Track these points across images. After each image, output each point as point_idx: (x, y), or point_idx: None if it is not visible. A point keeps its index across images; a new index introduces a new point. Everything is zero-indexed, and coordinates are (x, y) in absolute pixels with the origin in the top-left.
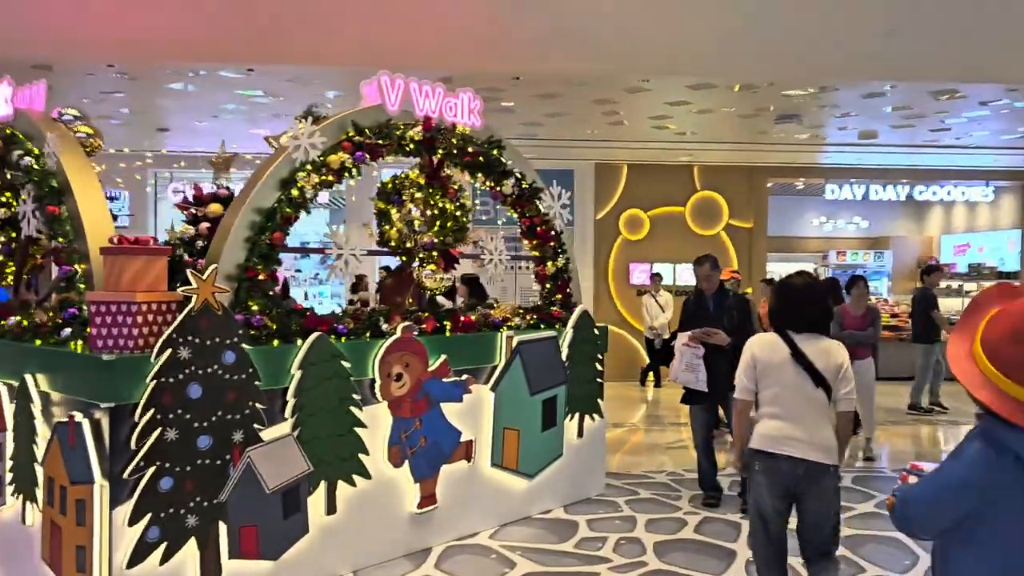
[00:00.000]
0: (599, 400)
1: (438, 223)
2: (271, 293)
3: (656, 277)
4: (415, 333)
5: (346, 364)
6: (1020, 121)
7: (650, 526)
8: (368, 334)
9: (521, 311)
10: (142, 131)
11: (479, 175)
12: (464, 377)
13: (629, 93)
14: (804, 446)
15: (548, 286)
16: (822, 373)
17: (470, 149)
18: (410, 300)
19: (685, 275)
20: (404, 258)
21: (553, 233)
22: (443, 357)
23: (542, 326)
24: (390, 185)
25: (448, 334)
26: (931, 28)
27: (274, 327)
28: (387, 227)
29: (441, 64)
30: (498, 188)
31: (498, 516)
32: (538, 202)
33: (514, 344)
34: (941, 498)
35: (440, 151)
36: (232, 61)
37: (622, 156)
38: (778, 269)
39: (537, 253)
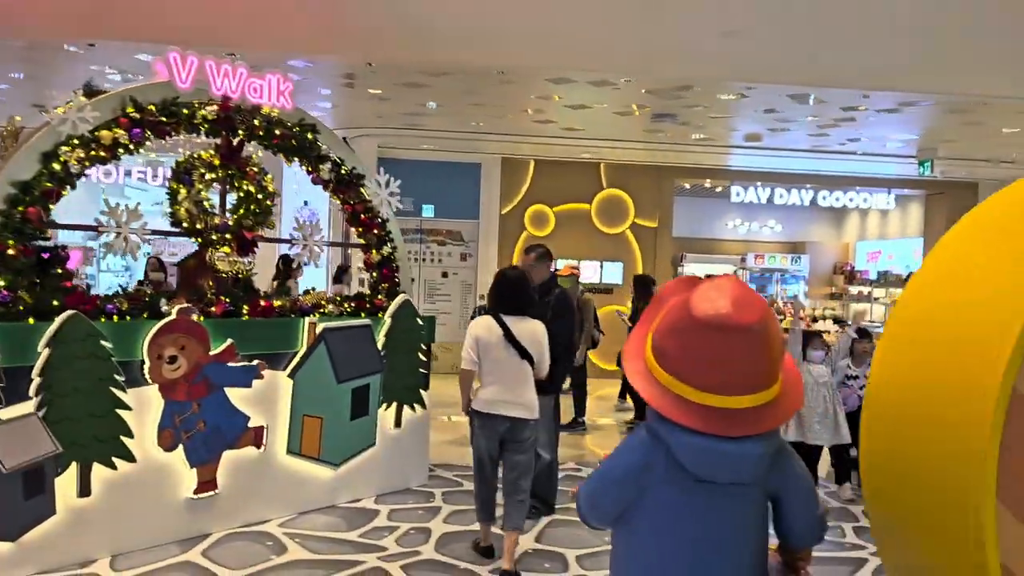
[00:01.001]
0: (422, 391)
1: (242, 207)
2: (46, 269)
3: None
4: (195, 316)
5: (106, 344)
6: (904, 130)
7: (451, 518)
8: (145, 315)
9: (339, 299)
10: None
11: (294, 159)
12: (255, 362)
13: (501, 84)
14: (511, 406)
15: (375, 274)
16: (527, 348)
17: (278, 131)
18: (209, 283)
19: (588, 272)
20: (199, 240)
21: (379, 221)
22: (228, 341)
23: (363, 315)
24: (183, 165)
25: (245, 318)
26: (775, 30)
27: (30, 302)
28: (176, 207)
29: (282, 46)
30: (316, 173)
31: (296, 504)
32: (362, 189)
33: (318, 331)
34: (604, 487)
35: (241, 132)
36: (70, 36)
37: (528, 151)
38: (697, 270)
39: (363, 241)
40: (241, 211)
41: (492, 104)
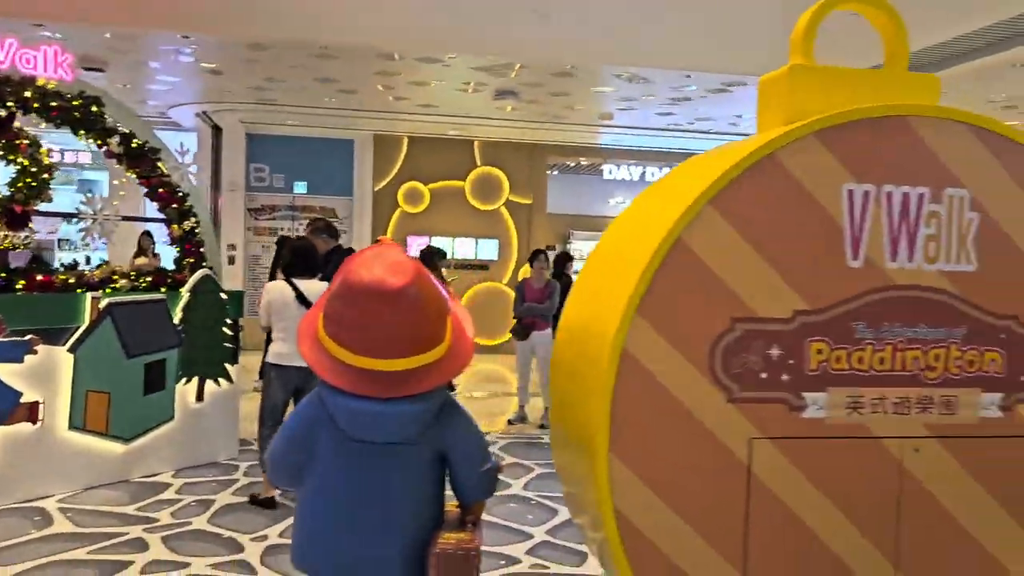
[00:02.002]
0: (228, 365)
1: (19, 181)
2: None
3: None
4: None
5: None
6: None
7: (241, 490)
8: None
9: (134, 274)
10: None
11: (81, 132)
12: (28, 337)
13: (326, 59)
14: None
15: (179, 249)
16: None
17: (55, 104)
18: None
19: (463, 248)
20: None
21: (179, 195)
22: None
23: (163, 289)
24: None
25: (19, 293)
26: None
27: None
28: None
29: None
30: (106, 146)
31: (81, 479)
32: (159, 163)
33: (102, 306)
34: (281, 448)
35: (10, 104)
36: None
37: (402, 129)
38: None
39: (164, 215)
40: (19, 185)
41: (335, 80)
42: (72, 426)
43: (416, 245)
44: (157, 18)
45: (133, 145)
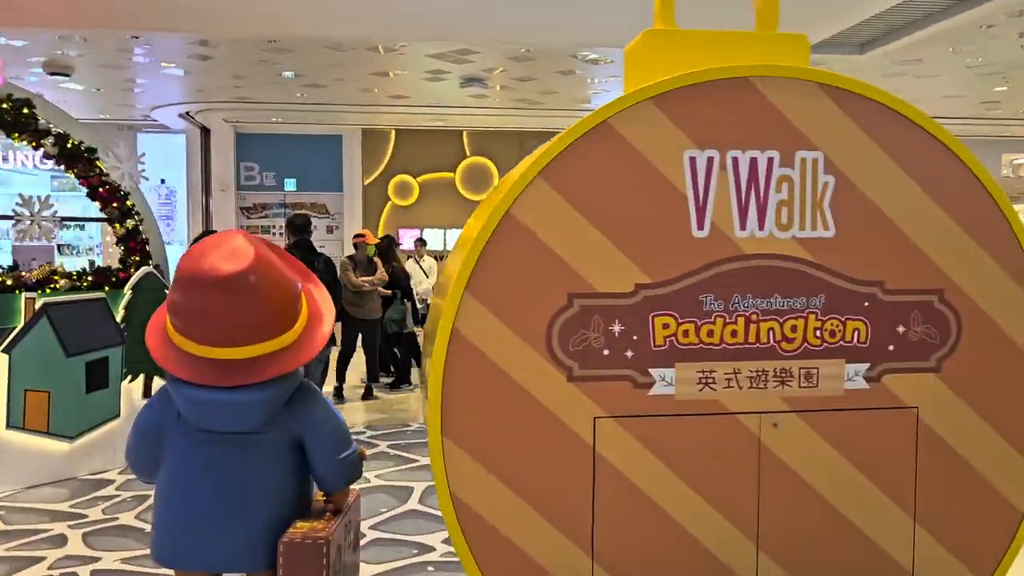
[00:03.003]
0: None
1: None
2: None
3: (419, 242)
4: None
5: None
6: None
7: None
8: None
9: (74, 274)
10: None
11: (14, 135)
12: None
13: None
14: None
15: (123, 248)
16: None
17: None
18: None
19: (456, 239)
20: None
21: (119, 194)
22: None
23: (106, 288)
24: None
25: None
26: None
27: None
28: None
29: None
30: (41, 147)
31: (21, 478)
32: (97, 162)
33: (37, 306)
34: (133, 440)
35: None
36: None
37: (388, 122)
38: None
39: (106, 215)
40: None
41: (301, 74)
42: (10, 425)
43: (408, 237)
44: (99, 18)
45: (68, 146)
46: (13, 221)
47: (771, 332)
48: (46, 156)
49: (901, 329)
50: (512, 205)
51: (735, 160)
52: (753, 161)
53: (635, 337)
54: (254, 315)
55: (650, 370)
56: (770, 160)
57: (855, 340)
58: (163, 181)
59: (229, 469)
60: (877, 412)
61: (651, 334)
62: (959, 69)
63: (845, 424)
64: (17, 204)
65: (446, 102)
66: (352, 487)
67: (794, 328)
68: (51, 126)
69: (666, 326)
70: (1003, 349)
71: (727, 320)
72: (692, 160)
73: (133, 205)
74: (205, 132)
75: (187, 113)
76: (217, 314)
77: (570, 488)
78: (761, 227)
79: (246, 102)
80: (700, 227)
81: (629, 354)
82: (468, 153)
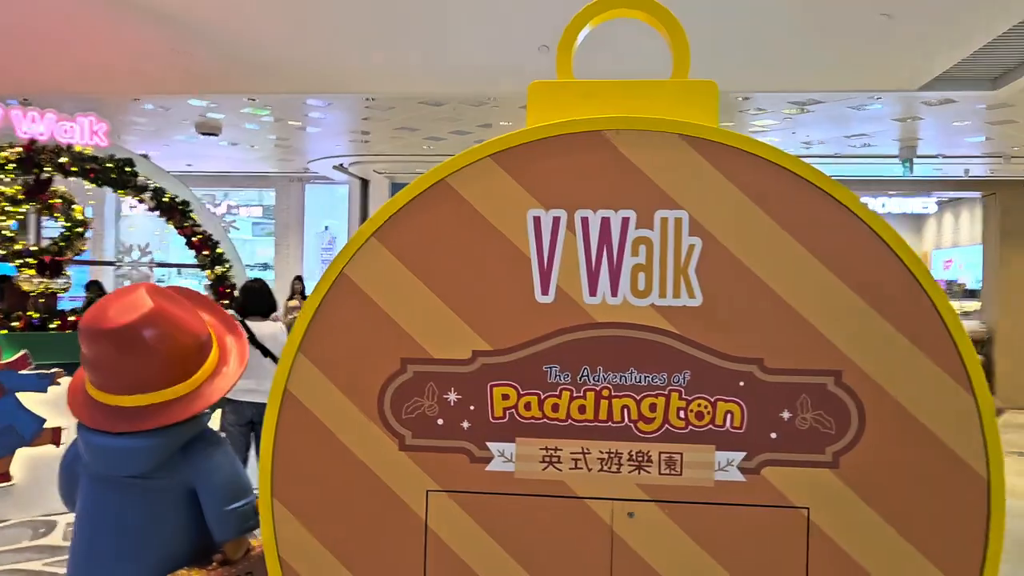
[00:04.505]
0: None
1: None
2: None
3: None
4: None
5: None
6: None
7: None
8: None
9: None
10: None
11: (120, 190)
12: (53, 370)
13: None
14: (255, 394)
15: (213, 291)
16: (267, 347)
17: (90, 166)
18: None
19: None
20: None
21: (211, 243)
22: (22, 352)
23: None
24: None
25: (51, 332)
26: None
27: None
28: None
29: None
30: (141, 200)
31: None
32: (191, 214)
33: None
34: (59, 477)
35: (48, 169)
36: None
37: None
38: None
39: (198, 261)
40: (56, 238)
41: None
42: None
43: None
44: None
45: (164, 199)
46: (115, 266)
47: (626, 410)
48: (151, 209)
49: (786, 415)
50: (346, 265)
51: (584, 220)
52: (605, 221)
53: (472, 407)
54: (143, 366)
55: (488, 444)
56: (625, 220)
57: (728, 425)
58: (326, 228)
59: (123, 512)
60: (757, 510)
61: (489, 405)
62: None
63: (716, 520)
64: (120, 251)
65: None
66: (255, 540)
67: (653, 407)
68: (150, 182)
69: (506, 397)
70: (915, 441)
71: (574, 394)
72: (536, 220)
73: (223, 253)
74: (364, 183)
75: (341, 165)
76: (108, 363)
77: (400, 564)
78: (614, 293)
79: (391, 155)
80: (545, 292)
81: (465, 425)
82: None
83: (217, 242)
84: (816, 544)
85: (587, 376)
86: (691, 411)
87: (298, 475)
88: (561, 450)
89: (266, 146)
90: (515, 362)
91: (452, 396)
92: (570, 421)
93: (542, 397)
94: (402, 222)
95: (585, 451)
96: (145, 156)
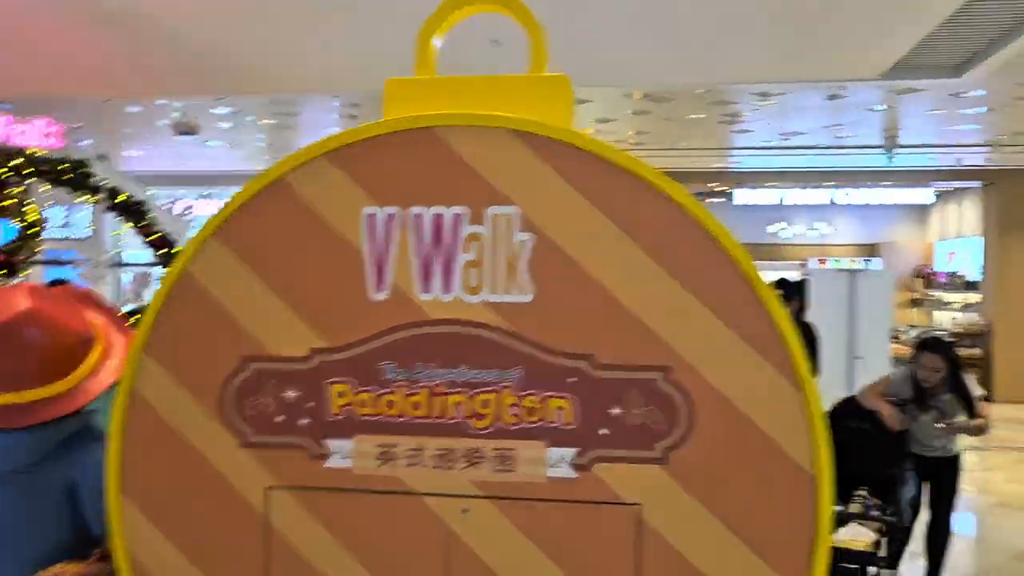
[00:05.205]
0: None
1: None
2: None
3: None
4: None
5: None
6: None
7: None
8: None
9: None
10: None
11: (75, 191)
12: None
13: None
14: None
15: None
16: None
17: (44, 168)
18: None
19: None
20: None
21: (169, 241)
22: None
23: None
24: None
25: None
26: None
27: None
28: None
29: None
30: (96, 202)
31: None
32: (148, 214)
33: None
34: None
35: (1, 171)
36: None
37: None
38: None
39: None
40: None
41: None
42: None
43: None
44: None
45: (118, 200)
46: (73, 265)
47: (459, 407)
48: (106, 209)
49: (616, 411)
50: (188, 264)
51: (418, 217)
52: (438, 218)
53: (310, 404)
54: (18, 364)
55: (325, 441)
56: (457, 217)
57: (559, 421)
58: None
59: (1, 509)
60: (589, 507)
61: (327, 402)
62: None
63: (549, 517)
64: (77, 252)
65: None
66: None
67: (486, 403)
68: (104, 183)
69: (342, 394)
70: (744, 437)
71: (409, 391)
72: (371, 217)
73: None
74: None
75: None
76: None
77: (242, 561)
78: (447, 290)
79: None
80: (380, 289)
81: (304, 422)
82: None
83: (175, 240)
84: (647, 541)
85: (422, 373)
86: (523, 407)
87: (145, 472)
88: (397, 447)
89: (249, 146)
90: (351, 359)
91: (291, 393)
92: (405, 418)
93: (378, 394)
94: (241, 220)
95: (420, 448)
96: (102, 157)
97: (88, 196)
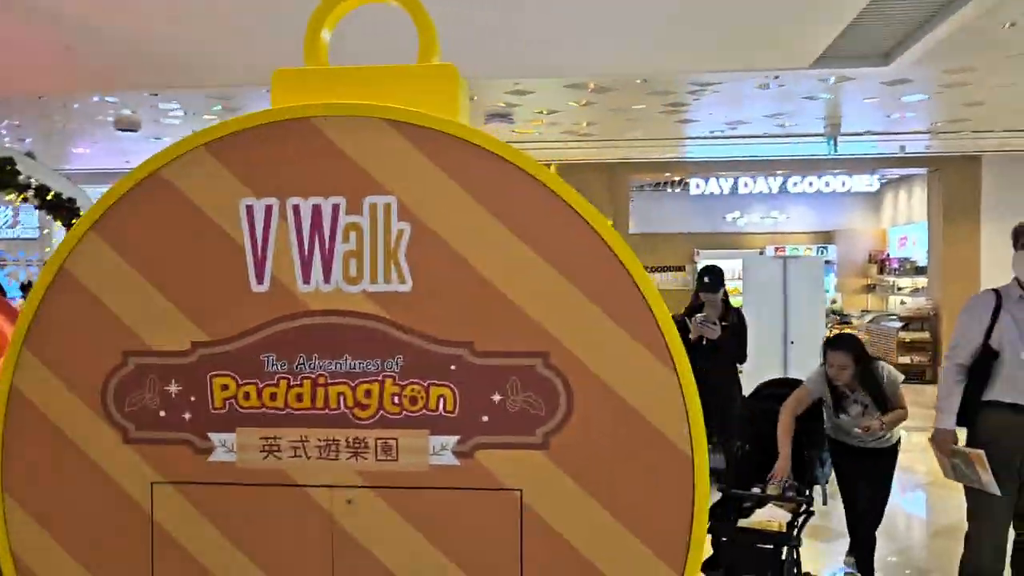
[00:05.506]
0: None
1: None
2: None
3: None
4: None
5: None
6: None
7: None
8: None
9: None
10: None
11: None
12: None
13: None
14: None
15: None
16: None
17: None
18: None
19: None
20: None
21: None
22: None
23: None
24: None
25: None
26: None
27: None
28: None
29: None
30: (25, 199)
31: None
32: (80, 210)
33: None
34: None
35: None
36: None
37: None
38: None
39: None
40: None
41: None
42: None
43: None
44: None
45: (48, 197)
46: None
47: (342, 397)
48: (39, 207)
49: (497, 398)
50: (66, 260)
51: (296, 208)
52: (316, 208)
53: (193, 398)
54: None
55: (209, 434)
56: (335, 207)
57: (441, 409)
58: None
59: None
60: (472, 493)
61: (209, 396)
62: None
63: (432, 505)
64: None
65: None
66: None
67: (368, 393)
68: (32, 180)
69: (225, 387)
70: (622, 421)
71: (292, 382)
72: (249, 209)
73: None
74: None
75: None
76: None
77: (129, 557)
78: (327, 280)
79: None
80: (260, 281)
81: (187, 416)
82: None
83: None
84: (530, 526)
85: (303, 364)
86: (405, 396)
87: (27, 470)
88: (280, 439)
89: None
90: (233, 352)
91: (173, 388)
92: (288, 410)
93: (260, 387)
94: (119, 215)
95: (304, 439)
96: (30, 155)
97: (15, 194)
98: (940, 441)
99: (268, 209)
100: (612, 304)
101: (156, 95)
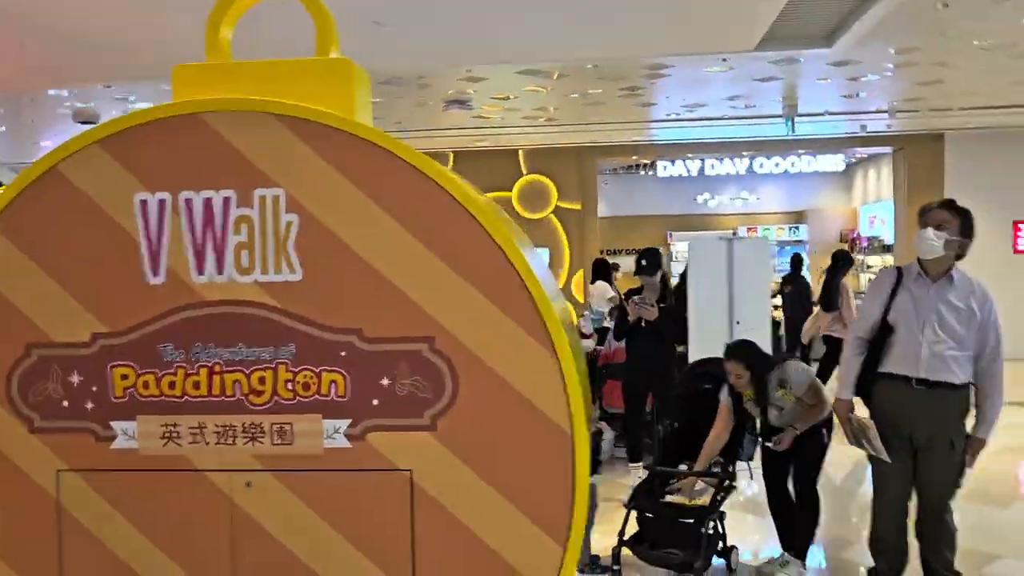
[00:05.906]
0: None
1: None
2: None
3: None
4: None
5: None
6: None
7: None
8: None
9: None
10: None
11: None
12: None
13: None
14: None
15: None
16: None
17: None
18: None
19: None
20: None
21: None
22: None
23: None
24: None
25: None
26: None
27: None
28: None
29: None
30: None
31: None
32: None
33: None
34: None
35: None
36: None
37: (445, 144)
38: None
39: None
40: None
41: None
42: None
43: None
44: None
45: None
46: None
47: (237, 384)
48: None
49: (386, 382)
50: None
51: (188, 202)
52: (208, 202)
53: (94, 388)
54: None
55: (111, 423)
56: (226, 200)
57: (332, 394)
58: None
59: None
60: (364, 474)
61: (110, 385)
62: (970, 52)
63: (327, 486)
64: None
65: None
66: None
67: (262, 380)
68: None
69: (125, 377)
70: (505, 401)
71: (188, 371)
72: (143, 203)
73: None
74: None
75: None
76: None
77: (38, 544)
78: (220, 271)
79: None
80: (155, 273)
81: (89, 406)
82: (524, 171)
83: None
84: (421, 505)
85: (199, 353)
86: (298, 382)
87: None
88: (180, 426)
89: None
90: (132, 343)
91: (75, 378)
92: (186, 397)
93: (159, 375)
94: (18, 210)
95: (202, 426)
96: None
97: None
98: (838, 410)
99: (161, 204)
100: (490, 288)
101: (110, 87)
